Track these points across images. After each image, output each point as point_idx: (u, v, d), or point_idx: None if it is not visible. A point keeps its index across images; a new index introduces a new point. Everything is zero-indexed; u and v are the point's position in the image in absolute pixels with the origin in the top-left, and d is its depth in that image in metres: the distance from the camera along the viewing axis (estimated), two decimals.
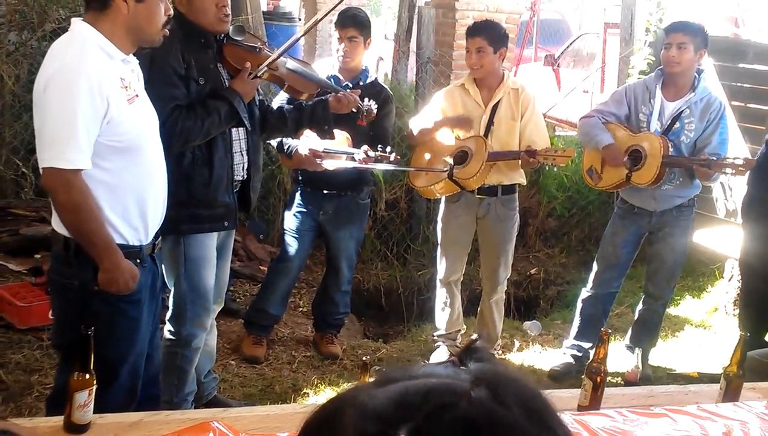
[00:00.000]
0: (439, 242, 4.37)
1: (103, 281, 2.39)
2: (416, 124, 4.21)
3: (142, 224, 2.50)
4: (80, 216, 2.32)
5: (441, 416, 0.71)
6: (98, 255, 2.37)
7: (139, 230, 2.50)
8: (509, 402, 0.73)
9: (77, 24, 2.40)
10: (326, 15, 3.27)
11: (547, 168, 5.80)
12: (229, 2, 3.05)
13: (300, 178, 4.08)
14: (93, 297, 2.42)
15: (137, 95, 2.45)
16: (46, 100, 2.28)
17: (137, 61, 2.54)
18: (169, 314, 3.25)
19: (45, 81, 2.28)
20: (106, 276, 2.39)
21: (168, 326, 3.26)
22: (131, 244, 2.47)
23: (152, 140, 2.53)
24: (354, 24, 3.88)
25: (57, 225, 2.45)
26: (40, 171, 2.37)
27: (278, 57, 3.17)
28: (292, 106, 3.46)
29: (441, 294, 4.40)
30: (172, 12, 2.56)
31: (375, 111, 3.60)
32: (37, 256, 4.31)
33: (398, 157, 3.66)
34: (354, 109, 3.50)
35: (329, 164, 3.68)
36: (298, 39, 3.27)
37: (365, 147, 3.60)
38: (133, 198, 2.45)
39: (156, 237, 2.61)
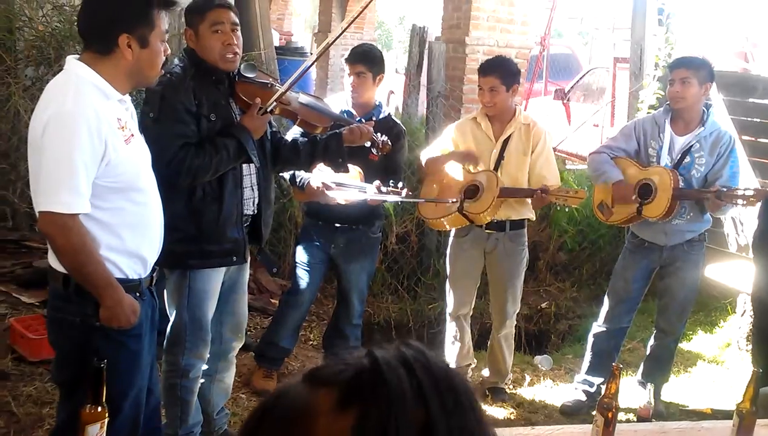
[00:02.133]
0: (448, 275, 4.37)
1: (105, 317, 2.38)
2: (427, 155, 4.24)
3: (139, 258, 2.49)
4: (79, 258, 2.30)
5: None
6: (99, 293, 2.35)
7: (137, 264, 2.49)
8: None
9: (72, 63, 2.38)
10: (331, 44, 3.30)
11: (558, 208, 5.81)
12: (240, 42, 3.07)
13: (312, 211, 4.10)
14: (95, 332, 2.40)
15: (133, 135, 2.44)
16: (44, 143, 2.24)
17: (130, 99, 2.55)
18: (165, 343, 3.22)
19: (43, 124, 2.24)
20: (108, 312, 2.37)
21: (164, 356, 3.23)
22: (130, 278, 2.46)
23: (148, 177, 2.51)
24: (362, 60, 3.92)
25: (54, 262, 2.42)
26: (36, 214, 2.34)
27: (286, 90, 3.18)
28: (306, 140, 3.48)
29: (451, 328, 4.39)
30: (169, 51, 2.57)
31: (390, 145, 3.64)
32: None
33: (410, 192, 3.67)
34: (368, 142, 3.53)
35: (341, 198, 3.71)
36: (306, 70, 3.28)
37: (377, 182, 3.61)
38: (130, 234, 2.43)
39: (153, 270, 2.60)
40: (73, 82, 2.31)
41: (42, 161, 2.26)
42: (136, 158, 2.44)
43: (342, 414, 0.80)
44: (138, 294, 2.48)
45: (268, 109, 3.12)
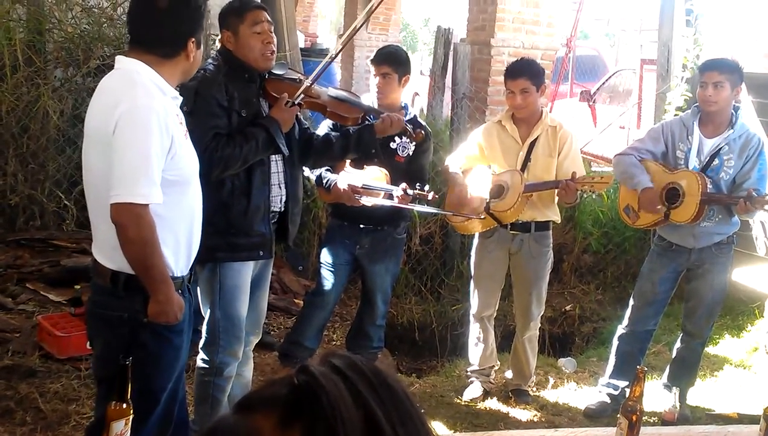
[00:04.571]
0: (472, 276, 4.36)
1: (154, 313, 2.43)
2: (453, 160, 4.23)
3: (186, 256, 2.56)
4: (146, 250, 2.36)
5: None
6: (155, 288, 2.41)
7: (182, 261, 2.55)
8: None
9: (127, 62, 2.46)
10: (354, 33, 3.36)
11: (585, 195, 5.73)
12: (275, 40, 3.15)
13: (337, 212, 4.11)
14: (142, 328, 2.46)
15: (187, 130, 2.55)
16: (118, 138, 2.32)
17: (181, 99, 2.63)
18: (202, 342, 3.29)
19: (115, 120, 2.31)
20: (159, 307, 2.42)
21: (201, 354, 3.29)
22: (176, 275, 2.52)
23: (197, 173, 2.61)
24: (387, 61, 3.94)
25: (103, 258, 2.48)
26: (95, 207, 2.42)
27: (312, 83, 3.27)
28: (338, 133, 3.52)
29: (474, 329, 4.38)
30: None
31: (423, 132, 3.67)
32: (77, 287, 4.39)
33: (436, 196, 3.68)
34: (400, 131, 3.56)
35: (367, 201, 3.72)
36: (331, 61, 3.36)
37: (404, 185, 3.62)
38: (182, 230, 2.51)
39: (192, 267, 2.66)
40: (138, 80, 2.40)
41: (116, 155, 2.32)
42: (192, 153, 2.55)
43: (286, 432, 0.81)
44: (180, 291, 2.53)
45: (296, 102, 3.19)
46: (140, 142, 2.31)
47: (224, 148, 2.98)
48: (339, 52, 3.53)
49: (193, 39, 2.48)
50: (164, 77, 2.45)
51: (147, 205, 2.33)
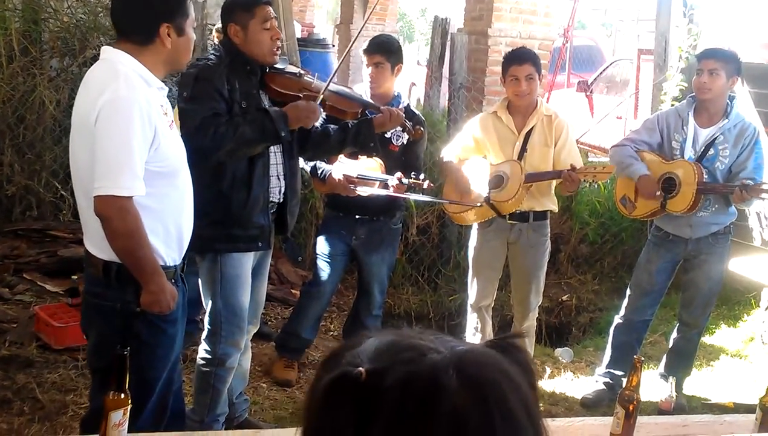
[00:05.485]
0: (470, 266, 4.36)
1: (147, 303, 2.44)
2: (449, 152, 4.22)
3: (177, 245, 2.56)
4: (133, 242, 2.36)
5: (398, 366, 0.81)
6: (146, 279, 2.41)
7: (174, 251, 2.55)
8: (458, 384, 0.81)
9: (113, 53, 2.45)
10: (358, 35, 3.38)
11: (588, 184, 5.71)
12: (281, 35, 3.16)
13: (332, 202, 4.11)
14: (135, 318, 2.46)
15: (173, 121, 2.54)
16: (99, 130, 2.31)
17: (167, 89, 2.61)
18: (204, 333, 3.29)
19: (97, 111, 2.31)
20: (151, 298, 2.43)
21: (203, 345, 3.29)
22: (168, 265, 2.52)
23: (185, 164, 2.60)
24: (379, 50, 3.93)
25: (94, 249, 2.47)
26: (83, 199, 2.42)
27: (328, 85, 3.28)
28: (336, 127, 3.52)
29: (472, 319, 4.39)
30: (194, 38, 2.66)
31: (422, 129, 3.66)
32: (74, 277, 4.39)
33: (431, 184, 3.68)
34: (400, 127, 3.55)
35: (362, 191, 3.71)
36: (339, 65, 3.37)
37: (399, 174, 3.62)
38: (172, 221, 2.51)
39: (184, 257, 2.65)
40: (121, 71, 2.38)
41: (97, 147, 2.32)
42: (177, 144, 2.54)
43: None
44: (173, 281, 2.53)
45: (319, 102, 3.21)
46: (122, 133, 2.30)
47: (219, 125, 2.96)
48: (345, 55, 3.52)
49: (168, 25, 2.45)
50: (147, 67, 2.44)
51: (130, 197, 2.32)
